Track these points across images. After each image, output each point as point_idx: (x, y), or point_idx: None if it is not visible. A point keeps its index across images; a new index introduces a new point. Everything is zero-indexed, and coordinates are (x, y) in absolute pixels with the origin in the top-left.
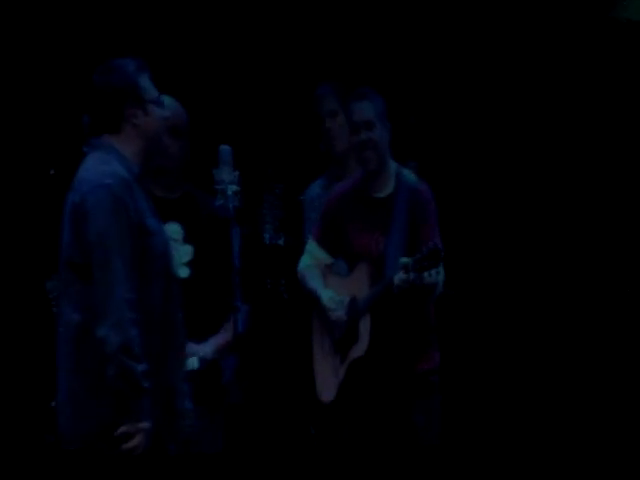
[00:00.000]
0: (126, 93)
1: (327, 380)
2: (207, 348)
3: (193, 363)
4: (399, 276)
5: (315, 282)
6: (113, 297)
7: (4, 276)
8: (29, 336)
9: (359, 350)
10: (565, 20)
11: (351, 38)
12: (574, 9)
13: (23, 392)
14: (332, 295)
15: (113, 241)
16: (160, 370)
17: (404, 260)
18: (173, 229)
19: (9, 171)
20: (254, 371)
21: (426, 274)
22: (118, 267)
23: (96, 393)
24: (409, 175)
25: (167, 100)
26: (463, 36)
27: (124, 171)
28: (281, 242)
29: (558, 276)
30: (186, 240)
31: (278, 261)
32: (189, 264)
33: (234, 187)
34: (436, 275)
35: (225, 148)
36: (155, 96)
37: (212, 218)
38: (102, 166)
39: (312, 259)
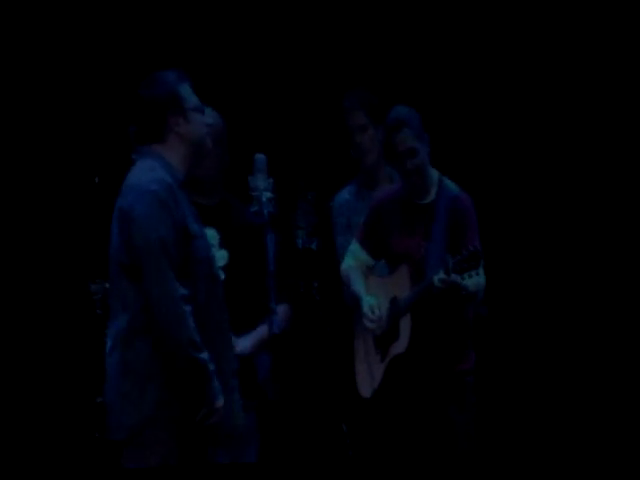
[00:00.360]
0: (167, 103)
1: (368, 376)
2: (245, 342)
3: None
4: (439, 277)
5: (358, 285)
6: (169, 295)
7: (52, 278)
8: (75, 336)
9: (399, 347)
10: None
11: (375, 47)
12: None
13: (70, 389)
14: (372, 304)
15: (161, 244)
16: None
17: (444, 261)
18: (209, 234)
19: (56, 179)
20: (288, 370)
21: (466, 276)
22: (166, 268)
23: (141, 390)
24: (450, 183)
25: (205, 111)
26: (490, 43)
27: (169, 177)
28: (314, 246)
29: (590, 278)
30: (222, 245)
31: (311, 264)
32: (224, 268)
33: (268, 194)
34: (476, 277)
35: (260, 157)
36: (196, 104)
37: (247, 224)
38: (149, 173)
39: (355, 260)
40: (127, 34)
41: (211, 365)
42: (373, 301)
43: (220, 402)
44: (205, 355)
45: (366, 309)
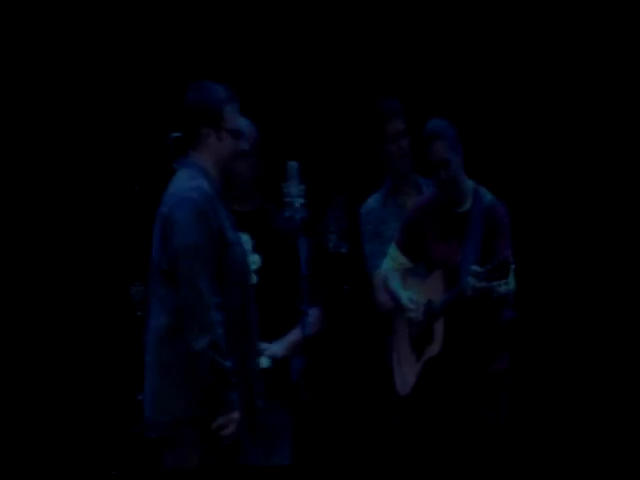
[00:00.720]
0: (205, 114)
1: (404, 376)
2: (277, 347)
3: (264, 362)
4: (471, 283)
5: (396, 284)
6: (201, 301)
7: (94, 282)
8: (116, 337)
9: (433, 350)
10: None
11: (408, 56)
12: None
13: (111, 387)
14: (411, 296)
15: (197, 249)
16: (240, 370)
17: (476, 269)
18: (243, 239)
19: (98, 187)
20: (320, 371)
21: (495, 284)
22: (202, 273)
23: (176, 388)
24: (486, 193)
25: (241, 121)
26: (521, 51)
27: (209, 186)
28: (344, 250)
29: (618, 281)
30: (255, 250)
31: (341, 268)
32: (257, 272)
33: (301, 200)
34: (505, 285)
35: (293, 164)
36: (234, 127)
37: (280, 230)
38: (189, 181)
39: (393, 262)
40: (168, 44)
41: (233, 377)
42: (411, 294)
43: (237, 415)
44: (228, 364)
45: (406, 301)
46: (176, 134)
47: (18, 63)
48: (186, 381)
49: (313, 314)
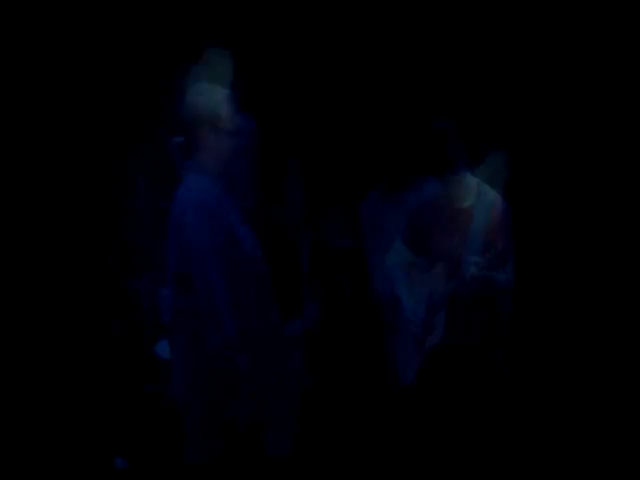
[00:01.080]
0: (202, 117)
1: (407, 365)
2: None
3: None
4: (470, 273)
5: (401, 287)
6: (214, 300)
7: (102, 276)
8: (124, 329)
9: (435, 339)
10: None
11: (408, 55)
12: None
13: (118, 378)
14: (414, 308)
15: (210, 250)
16: (267, 357)
17: (474, 259)
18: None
19: (105, 184)
20: (321, 360)
21: (494, 273)
22: (214, 273)
23: (200, 392)
24: (488, 189)
25: (240, 118)
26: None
27: (214, 186)
28: (344, 245)
29: (617, 276)
30: None
31: (341, 262)
32: None
33: (301, 195)
34: (503, 275)
35: (293, 161)
36: (231, 128)
37: (280, 225)
38: (195, 185)
39: (398, 256)
40: (170, 36)
41: (245, 371)
42: (414, 306)
43: (247, 409)
44: (242, 358)
45: (410, 314)
46: (178, 139)
47: (28, 59)
48: (210, 386)
49: (313, 308)
